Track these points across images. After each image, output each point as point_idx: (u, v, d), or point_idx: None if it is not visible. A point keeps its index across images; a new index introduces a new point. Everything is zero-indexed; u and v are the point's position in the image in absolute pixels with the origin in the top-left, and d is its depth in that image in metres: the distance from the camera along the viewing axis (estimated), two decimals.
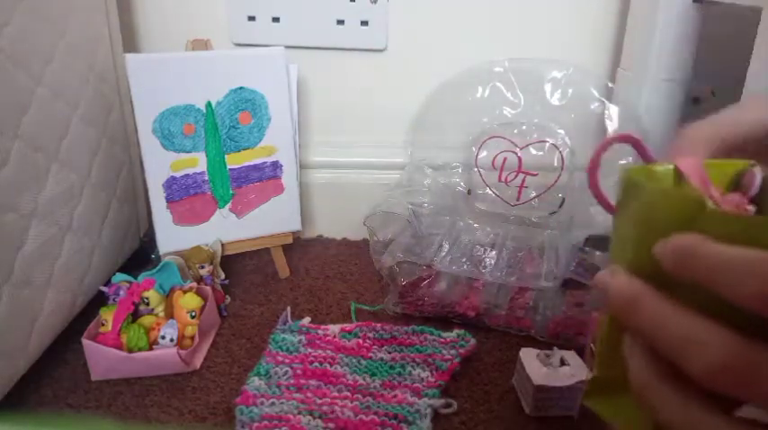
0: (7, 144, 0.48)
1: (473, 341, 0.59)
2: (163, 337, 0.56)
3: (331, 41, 0.79)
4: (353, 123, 0.85)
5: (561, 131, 0.72)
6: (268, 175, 0.71)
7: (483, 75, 0.75)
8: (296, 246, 0.81)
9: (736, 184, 0.26)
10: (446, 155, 0.77)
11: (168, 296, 0.60)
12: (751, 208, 0.25)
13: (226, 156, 0.69)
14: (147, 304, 0.59)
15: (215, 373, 0.56)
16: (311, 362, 0.56)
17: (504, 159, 0.71)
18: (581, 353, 0.53)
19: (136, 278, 0.60)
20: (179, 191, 0.67)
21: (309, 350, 0.58)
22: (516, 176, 0.71)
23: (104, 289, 0.60)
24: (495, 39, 0.80)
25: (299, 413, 0.49)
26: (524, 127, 0.72)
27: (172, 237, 0.68)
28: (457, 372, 0.56)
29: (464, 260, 0.66)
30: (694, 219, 0.20)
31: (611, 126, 0.72)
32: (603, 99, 0.73)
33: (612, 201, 0.26)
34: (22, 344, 0.51)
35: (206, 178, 0.68)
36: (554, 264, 0.64)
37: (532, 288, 0.63)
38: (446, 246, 0.68)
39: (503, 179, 0.72)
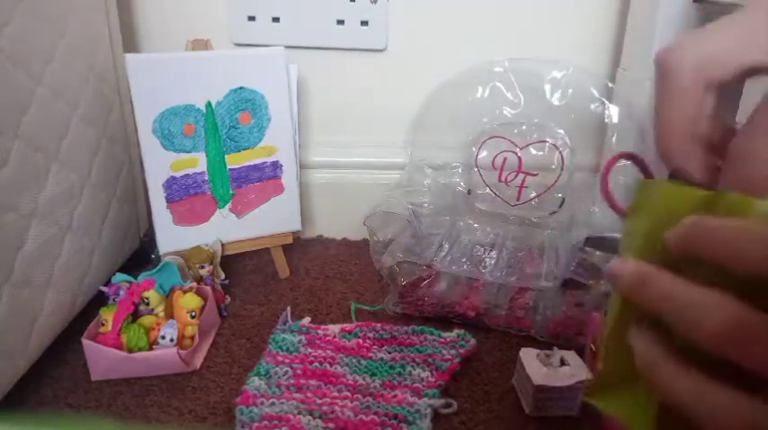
0: (7, 144, 0.48)
1: (473, 341, 0.59)
2: (163, 337, 0.56)
3: (331, 41, 0.79)
4: (353, 123, 0.85)
5: (561, 131, 0.72)
6: (268, 175, 0.71)
7: (483, 75, 0.75)
8: (296, 246, 0.81)
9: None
10: (446, 155, 0.77)
11: (168, 296, 0.60)
12: None
13: (226, 156, 0.69)
14: (147, 304, 0.59)
15: (215, 373, 0.56)
16: (311, 362, 0.56)
17: (504, 159, 0.71)
18: (581, 353, 0.53)
19: (136, 278, 0.60)
20: (179, 191, 0.67)
21: (309, 350, 0.58)
22: (516, 176, 0.71)
23: (104, 289, 0.60)
24: (495, 39, 0.80)
25: (299, 413, 0.49)
26: (524, 127, 0.72)
27: (172, 237, 0.68)
28: (457, 372, 0.56)
29: (464, 260, 0.66)
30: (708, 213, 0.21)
31: (612, 126, 0.73)
32: (603, 99, 0.73)
33: (622, 205, 0.28)
34: (22, 344, 0.51)
35: (206, 178, 0.68)
36: (554, 264, 0.64)
37: (532, 288, 0.63)
38: (446, 246, 0.68)
39: (503, 179, 0.72)
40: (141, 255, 0.74)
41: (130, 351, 0.55)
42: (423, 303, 0.65)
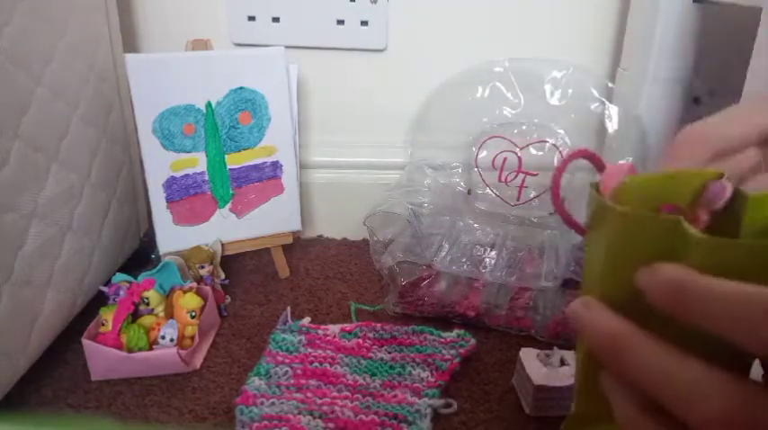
0: (7, 144, 0.48)
1: (473, 341, 0.59)
2: (163, 337, 0.56)
3: (331, 41, 0.79)
4: (353, 123, 0.85)
5: (561, 131, 0.72)
6: (268, 175, 0.71)
7: (483, 75, 0.75)
8: (296, 246, 0.81)
9: (699, 197, 0.24)
10: (446, 155, 0.77)
11: (168, 296, 0.60)
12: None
13: (226, 156, 0.69)
14: (147, 304, 0.59)
15: (215, 373, 0.57)
16: (311, 362, 0.56)
17: (504, 159, 0.71)
18: None
19: (136, 278, 0.60)
20: (179, 191, 0.67)
21: (309, 350, 0.58)
22: (516, 176, 0.71)
23: (104, 289, 0.60)
24: (495, 39, 0.80)
25: (299, 413, 0.49)
26: (524, 127, 0.72)
27: (172, 237, 0.68)
28: (457, 372, 0.56)
29: (464, 260, 0.66)
30: (675, 246, 0.19)
31: (612, 126, 0.73)
32: (603, 99, 0.73)
33: (582, 222, 0.25)
34: (22, 344, 0.51)
35: (206, 178, 0.68)
36: (554, 264, 0.64)
37: (532, 288, 0.63)
38: (446, 246, 0.68)
39: (503, 179, 0.72)
40: (141, 255, 0.74)
41: (130, 351, 0.55)
42: (423, 303, 0.65)
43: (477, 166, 0.73)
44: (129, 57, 0.62)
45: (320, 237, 0.87)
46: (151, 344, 0.56)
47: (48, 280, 0.54)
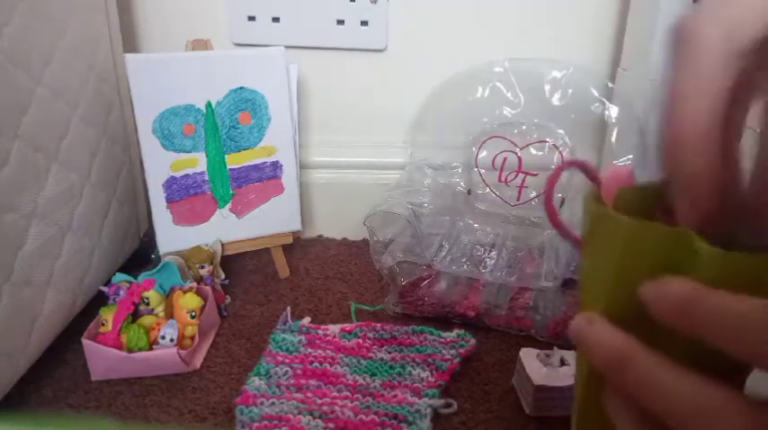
0: (7, 144, 0.48)
1: (473, 341, 0.59)
2: (163, 337, 0.56)
3: (331, 41, 0.79)
4: (353, 123, 0.85)
5: (561, 131, 0.72)
6: (268, 175, 0.71)
7: (483, 75, 0.75)
8: (296, 246, 0.81)
9: None
10: (446, 155, 0.77)
11: (168, 296, 0.60)
12: None
13: (226, 156, 0.69)
14: (147, 304, 0.59)
15: (215, 373, 0.56)
16: (311, 362, 0.56)
17: (504, 159, 0.71)
18: None
19: (136, 278, 0.60)
20: (179, 191, 0.67)
21: (309, 350, 0.58)
22: (516, 176, 0.71)
23: (104, 289, 0.60)
24: (495, 39, 0.80)
25: (299, 413, 0.49)
26: (524, 127, 0.72)
27: (172, 237, 0.68)
28: (457, 372, 0.56)
29: (464, 260, 0.66)
30: (682, 258, 0.18)
31: (611, 127, 0.73)
32: (603, 99, 0.73)
33: (577, 233, 0.24)
34: (22, 344, 0.51)
35: (206, 178, 0.68)
36: (554, 264, 0.64)
37: (532, 288, 0.63)
38: (446, 246, 0.68)
39: (503, 179, 0.72)
40: (141, 255, 0.74)
41: (130, 351, 0.55)
42: (423, 303, 0.65)
43: (477, 166, 0.73)
44: (129, 57, 0.62)
45: (320, 237, 0.87)
46: (151, 344, 0.56)
47: (48, 280, 0.54)
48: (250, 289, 0.72)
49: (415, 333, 0.60)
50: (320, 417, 0.49)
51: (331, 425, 0.48)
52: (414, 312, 0.65)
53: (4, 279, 0.47)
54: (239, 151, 0.69)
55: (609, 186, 0.23)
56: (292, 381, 0.53)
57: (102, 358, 0.54)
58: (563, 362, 0.52)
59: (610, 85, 0.76)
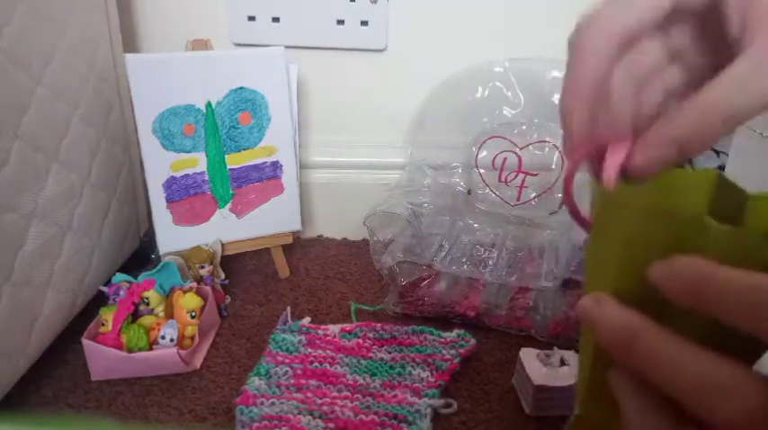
0: (7, 144, 0.48)
1: (473, 341, 0.59)
2: (163, 337, 0.56)
3: (331, 41, 0.79)
4: (353, 123, 0.85)
5: (561, 131, 0.71)
6: (268, 175, 0.71)
7: (483, 75, 0.75)
8: (296, 246, 0.81)
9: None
10: (446, 155, 0.77)
11: (168, 296, 0.60)
12: None
13: (226, 156, 0.69)
14: (147, 304, 0.59)
15: (215, 373, 0.57)
16: (311, 362, 0.56)
17: (504, 159, 0.71)
18: None
19: (136, 278, 0.60)
20: (179, 191, 0.67)
21: (309, 350, 0.58)
22: (516, 176, 0.71)
23: (104, 289, 0.60)
24: (495, 39, 0.80)
25: (299, 413, 0.49)
26: (524, 127, 0.72)
27: (172, 237, 0.68)
28: (457, 372, 0.56)
29: (464, 260, 0.66)
30: (690, 237, 0.19)
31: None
32: None
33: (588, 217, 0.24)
34: (22, 344, 0.51)
35: (206, 178, 0.68)
36: (554, 264, 0.64)
37: (532, 288, 0.63)
38: (446, 246, 0.68)
39: (503, 179, 0.72)
40: (141, 255, 0.74)
41: (130, 351, 0.55)
42: (423, 303, 0.65)
43: (477, 166, 0.73)
44: (129, 57, 0.62)
45: (320, 237, 0.87)
46: (151, 345, 0.56)
47: (48, 280, 0.54)
48: (250, 289, 0.72)
49: (415, 333, 0.60)
50: (320, 417, 0.49)
51: (331, 425, 0.48)
52: (414, 312, 0.65)
53: (4, 279, 0.47)
54: (239, 151, 0.69)
55: (611, 160, 0.24)
56: (292, 381, 0.53)
57: (102, 358, 0.54)
58: (563, 362, 0.52)
59: None
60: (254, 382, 0.53)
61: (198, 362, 0.58)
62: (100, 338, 0.55)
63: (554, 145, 0.71)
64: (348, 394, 0.52)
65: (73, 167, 0.58)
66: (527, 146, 0.72)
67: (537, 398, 0.50)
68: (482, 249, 0.68)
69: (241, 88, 0.67)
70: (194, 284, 0.62)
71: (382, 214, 0.70)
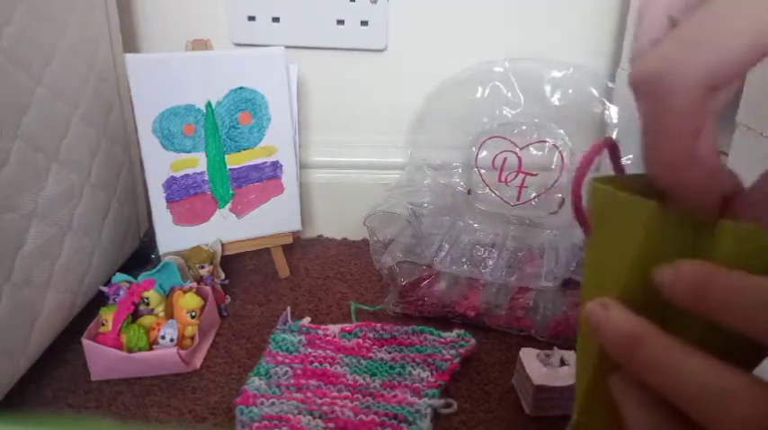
0: (7, 144, 0.48)
1: (473, 341, 0.59)
2: (163, 337, 0.56)
3: (331, 41, 0.79)
4: (353, 123, 0.85)
5: (561, 131, 0.72)
6: (268, 175, 0.71)
7: (483, 75, 0.75)
8: (296, 246, 0.81)
9: None
10: (446, 155, 0.77)
11: (168, 296, 0.60)
12: None
13: (226, 156, 0.69)
14: (147, 304, 0.59)
15: (215, 373, 0.56)
16: (311, 362, 0.56)
17: (504, 159, 0.71)
18: None
19: (136, 278, 0.60)
20: (179, 191, 0.67)
21: (309, 350, 0.58)
22: (516, 176, 0.71)
23: (104, 289, 0.60)
24: (495, 39, 0.80)
25: (299, 413, 0.49)
26: (524, 127, 0.72)
27: (172, 237, 0.68)
28: (457, 372, 0.56)
29: (464, 260, 0.66)
30: (700, 239, 0.18)
31: (612, 126, 0.73)
32: (603, 99, 0.73)
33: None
34: (22, 344, 0.51)
35: (206, 178, 0.68)
36: (554, 264, 0.64)
37: (532, 288, 0.63)
38: (446, 246, 0.68)
39: (503, 179, 0.72)
40: (141, 255, 0.74)
41: (130, 351, 0.55)
42: (423, 303, 0.65)
43: (477, 166, 0.73)
44: (129, 57, 0.62)
45: (320, 237, 0.87)
46: (151, 345, 0.56)
47: (48, 280, 0.54)
48: (250, 289, 0.72)
49: (415, 333, 0.60)
50: (320, 417, 0.49)
51: (331, 425, 0.48)
52: (414, 312, 0.65)
53: (4, 279, 0.47)
54: (239, 151, 0.69)
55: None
56: (292, 381, 0.53)
57: (102, 358, 0.54)
58: (563, 362, 0.52)
59: (610, 84, 0.76)
60: (254, 382, 0.53)
61: (198, 362, 0.57)
62: (100, 338, 0.55)
63: (554, 145, 0.71)
64: (348, 394, 0.52)
65: (73, 167, 0.58)
66: (527, 146, 0.72)
67: (537, 398, 0.50)
68: (482, 249, 0.68)
69: (241, 88, 0.67)
70: (194, 284, 0.62)
71: (382, 214, 0.70)
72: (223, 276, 0.68)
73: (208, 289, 0.62)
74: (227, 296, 0.69)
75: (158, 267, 0.61)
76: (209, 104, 0.66)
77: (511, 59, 0.75)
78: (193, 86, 0.65)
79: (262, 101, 0.68)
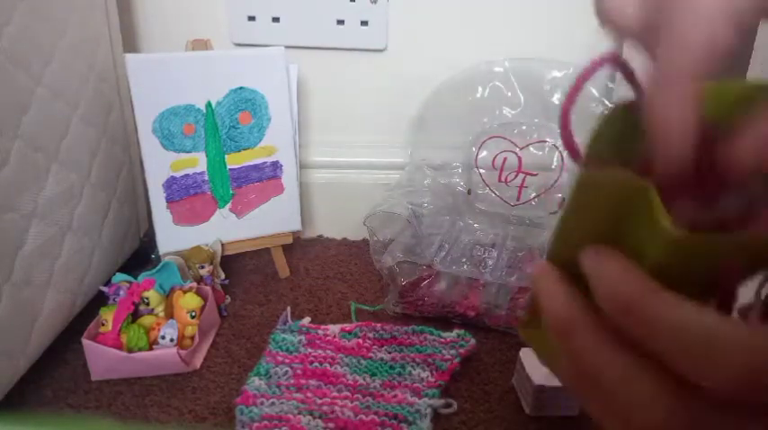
0: (7, 144, 0.48)
1: (473, 341, 0.59)
2: (163, 337, 0.56)
3: (331, 41, 0.79)
4: (354, 123, 0.85)
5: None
6: (268, 175, 0.71)
7: (483, 75, 0.75)
8: (296, 246, 0.81)
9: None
10: (446, 155, 0.77)
11: (168, 296, 0.60)
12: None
13: (226, 156, 0.69)
14: (147, 304, 0.59)
15: (215, 373, 0.56)
16: (311, 362, 0.56)
17: (504, 159, 0.71)
18: None
19: (136, 278, 0.60)
20: (179, 191, 0.67)
21: (309, 350, 0.58)
22: (516, 176, 0.71)
23: (104, 289, 0.60)
24: (495, 39, 0.80)
25: (299, 413, 0.49)
26: (524, 127, 0.72)
27: (172, 237, 0.68)
28: (457, 372, 0.56)
29: (464, 260, 0.66)
30: (636, 215, 0.18)
31: None
32: (603, 99, 0.73)
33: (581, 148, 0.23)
34: (22, 344, 0.51)
35: (206, 178, 0.68)
36: None
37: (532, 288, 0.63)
38: (446, 246, 0.68)
39: (503, 179, 0.72)
40: (141, 255, 0.74)
41: (130, 351, 0.55)
42: (423, 303, 0.65)
43: (477, 166, 0.73)
44: (129, 57, 0.62)
45: (320, 237, 0.87)
46: (151, 345, 0.56)
47: (48, 280, 0.54)
48: (250, 289, 0.72)
49: (415, 333, 0.60)
50: (320, 417, 0.49)
51: (331, 425, 0.48)
52: (414, 312, 0.65)
53: (4, 279, 0.47)
54: (239, 151, 0.69)
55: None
56: (292, 381, 0.53)
57: (102, 358, 0.54)
58: None
59: (610, 85, 0.76)
60: (254, 382, 0.53)
61: (198, 362, 0.58)
62: (100, 338, 0.55)
63: (554, 145, 0.71)
64: (348, 394, 0.52)
65: (73, 167, 0.58)
66: (527, 146, 0.72)
67: (537, 398, 0.50)
68: (482, 249, 0.68)
69: (241, 88, 0.67)
70: (194, 284, 0.62)
71: (382, 214, 0.70)
72: (223, 276, 0.68)
73: (208, 289, 0.62)
74: (227, 296, 0.69)
75: (158, 267, 0.61)
76: (209, 104, 0.66)
77: (511, 59, 0.75)
78: (193, 86, 0.65)
79: (262, 101, 0.68)
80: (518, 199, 0.72)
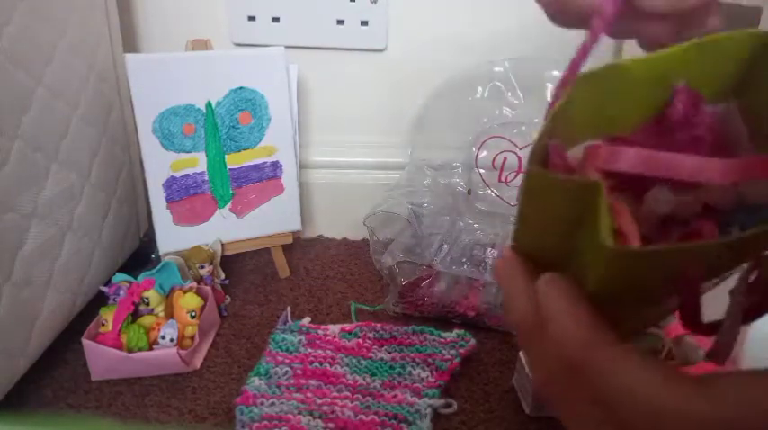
0: (7, 144, 0.48)
1: (473, 341, 0.59)
2: (163, 337, 0.56)
3: (331, 41, 0.79)
4: (354, 123, 0.85)
5: None
6: (268, 175, 0.71)
7: (483, 75, 0.75)
8: (296, 246, 0.81)
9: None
10: (446, 155, 0.77)
11: (168, 296, 0.60)
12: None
13: (226, 156, 0.69)
14: (147, 304, 0.59)
15: (215, 373, 0.56)
16: (311, 362, 0.56)
17: (504, 159, 0.71)
18: None
19: (136, 278, 0.60)
20: (179, 191, 0.67)
21: (309, 350, 0.58)
22: (516, 176, 0.71)
23: (104, 289, 0.60)
24: (496, 39, 0.80)
25: (299, 413, 0.49)
26: (524, 127, 0.72)
27: (172, 237, 0.68)
28: (457, 372, 0.56)
29: (464, 260, 0.66)
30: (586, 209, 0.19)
31: None
32: None
33: None
34: (22, 344, 0.51)
35: (206, 178, 0.68)
36: None
37: None
38: (446, 246, 0.68)
39: (503, 179, 0.72)
40: (141, 255, 0.74)
41: (130, 351, 0.55)
42: (423, 303, 0.65)
43: (477, 166, 0.73)
44: (129, 57, 0.62)
45: (320, 237, 0.87)
46: (151, 345, 0.56)
47: (48, 280, 0.54)
48: (250, 289, 0.72)
49: (415, 333, 0.60)
50: (320, 417, 0.49)
51: (331, 425, 0.48)
52: (414, 312, 0.65)
53: (4, 279, 0.47)
54: (239, 151, 0.69)
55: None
56: (292, 381, 0.53)
57: (102, 358, 0.54)
58: None
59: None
60: (254, 382, 0.53)
61: (198, 362, 0.58)
62: (100, 338, 0.55)
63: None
64: (348, 394, 0.52)
65: (73, 167, 0.58)
66: (527, 146, 0.72)
67: (537, 398, 0.50)
68: (482, 249, 0.68)
69: (241, 88, 0.67)
70: (194, 284, 0.62)
71: (382, 214, 0.70)
72: (223, 276, 0.68)
73: (208, 289, 0.62)
74: (227, 296, 0.69)
75: (158, 267, 0.61)
76: (209, 104, 0.66)
77: (511, 59, 0.75)
78: (193, 86, 0.65)
79: (262, 101, 0.68)
80: (518, 199, 0.72)
